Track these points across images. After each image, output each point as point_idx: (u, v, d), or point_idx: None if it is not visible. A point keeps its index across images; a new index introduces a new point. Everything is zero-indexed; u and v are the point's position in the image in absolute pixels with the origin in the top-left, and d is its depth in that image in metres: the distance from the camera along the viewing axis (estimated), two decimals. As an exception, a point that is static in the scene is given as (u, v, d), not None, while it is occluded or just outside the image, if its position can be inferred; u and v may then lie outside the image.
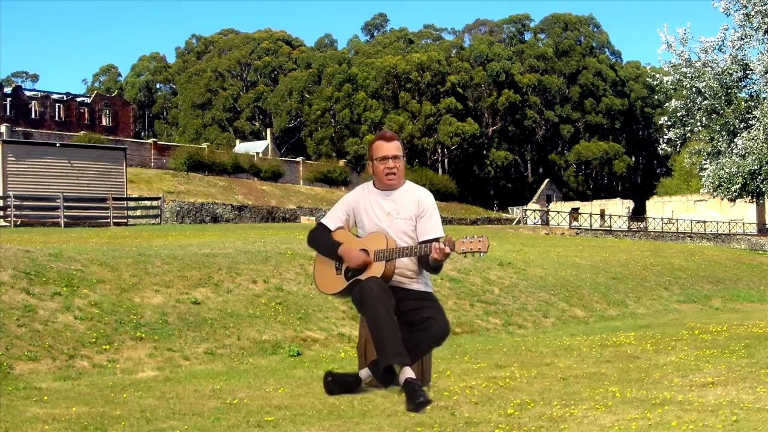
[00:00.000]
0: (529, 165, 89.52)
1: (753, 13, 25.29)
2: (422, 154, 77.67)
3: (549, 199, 75.40)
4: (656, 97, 74.35)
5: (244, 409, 4.39)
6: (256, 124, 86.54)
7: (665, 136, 28.34)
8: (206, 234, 17.81)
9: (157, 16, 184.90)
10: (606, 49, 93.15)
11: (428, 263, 4.46)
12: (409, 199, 4.63)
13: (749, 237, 45.22)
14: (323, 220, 4.82)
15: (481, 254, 4.35)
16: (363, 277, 4.51)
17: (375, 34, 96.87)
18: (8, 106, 62.64)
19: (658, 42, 28.23)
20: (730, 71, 25.75)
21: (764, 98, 25.92)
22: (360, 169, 64.93)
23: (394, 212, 4.61)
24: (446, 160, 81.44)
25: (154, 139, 62.63)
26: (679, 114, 27.18)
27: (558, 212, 52.95)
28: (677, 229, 51.40)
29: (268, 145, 70.87)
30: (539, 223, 49.58)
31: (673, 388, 4.50)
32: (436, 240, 4.50)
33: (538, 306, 10.45)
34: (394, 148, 4.62)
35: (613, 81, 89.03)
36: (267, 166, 51.53)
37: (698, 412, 3.77)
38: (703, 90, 25.81)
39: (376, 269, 4.49)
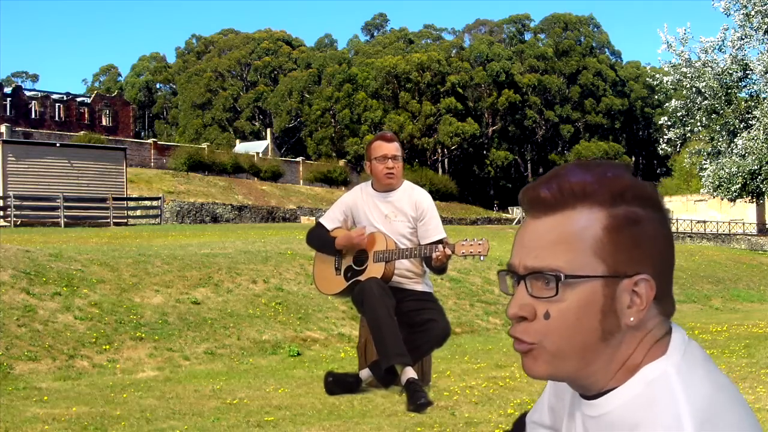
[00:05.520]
0: (529, 165, 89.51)
1: (753, 13, 25.31)
2: (422, 154, 77.66)
3: (549, 199, 75.19)
4: (656, 97, 74.33)
5: (244, 409, 4.39)
6: (256, 124, 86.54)
7: (665, 136, 28.38)
8: (206, 234, 17.81)
9: (157, 16, 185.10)
10: (606, 49, 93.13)
11: (432, 265, 4.45)
12: (407, 202, 4.60)
13: (749, 237, 45.20)
14: (321, 221, 4.80)
15: (481, 257, 4.31)
16: (363, 277, 4.51)
17: (375, 34, 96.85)
18: (8, 106, 62.60)
19: (658, 42, 28.27)
20: (730, 71, 25.77)
21: (764, 98, 25.94)
22: (360, 169, 64.91)
23: (392, 214, 4.59)
24: (446, 160, 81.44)
25: (154, 139, 62.61)
26: (679, 114, 27.21)
27: (558, 212, 52.75)
28: (677, 229, 51.37)
29: (268, 145, 70.85)
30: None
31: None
32: (439, 242, 4.48)
33: (538, 306, 10.44)
34: (393, 148, 4.59)
35: (613, 81, 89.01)
36: (267, 166, 51.50)
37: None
38: (703, 90, 25.83)
39: (376, 270, 4.48)
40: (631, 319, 0.91)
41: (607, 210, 0.92)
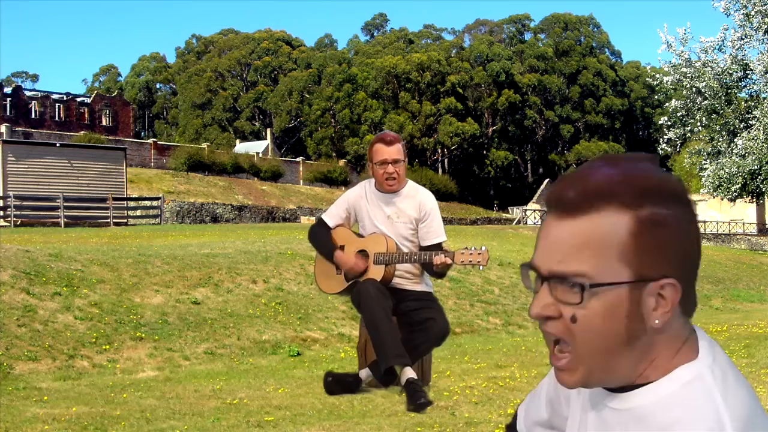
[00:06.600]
0: (529, 165, 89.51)
1: (753, 13, 25.32)
2: (422, 154, 77.65)
3: (549, 199, 75.13)
4: (656, 97, 74.34)
5: (244, 409, 4.39)
6: (256, 124, 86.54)
7: (665, 136, 28.37)
8: (206, 234, 17.81)
9: (157, 16, 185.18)
10: (606, 49, 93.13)
11: (432, 269, 4.43)
12: (411, 203, 4.57)
13: (749, 237, 45.20)
14: (323, 216, 4.76)
15: (481, 267, 4.28)
16: (361, 278, 4.50)
17: (375, 34, 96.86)
18: (8, 106, 62.59)
19: (658, 42, 28.30)
20: (730, 71, 25.77)
21: (764, 98, 25.94)
22: (360, 169, 64.91)
23: (394, 215, 4.56)
24: (446, 160, 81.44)
25: (154, 139, 62.58)
26: (679, 114, 27.21)
27: (558, 212, 52.70)
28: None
29: (268, 145, 70.84)
30: (539, 223, 49.57)
31: (673, 388, 4.49)
32: (439, 245, 4.46)
33: (538, 306, 10.43)
34: (394, 151, 4.49)
35: (613, 81, 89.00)
36: (267, 166, 51.49)
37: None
38: (703, 90, 25.83)
39: (376, 272, 4.47)
40: (657, 321, 0.91)
41: (633, 212, 0.90)
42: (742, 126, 26.30)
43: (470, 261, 4.25)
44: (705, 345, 0.95)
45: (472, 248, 4.29)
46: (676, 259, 0.91)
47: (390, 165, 4.49)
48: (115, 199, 29.78)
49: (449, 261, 4.26)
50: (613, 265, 0.90)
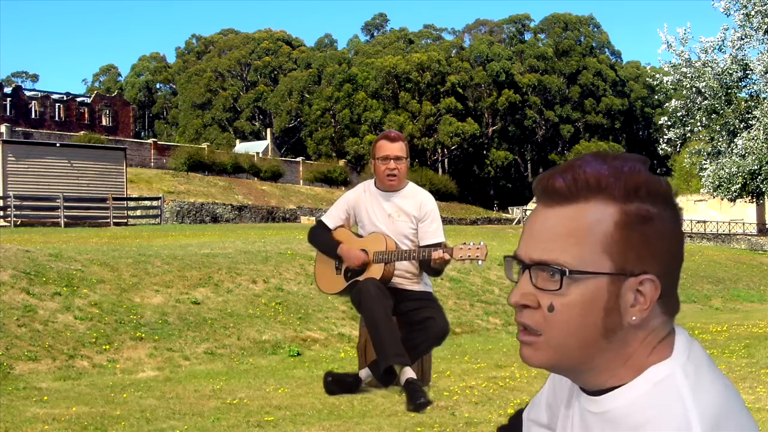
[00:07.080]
0: (529, 165, 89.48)
1: (753, 13, 25.32)
2: (422, 154, 77.63)
3: (549, 199, 75.06)
4: (656, 97, 74.36)
5: (244, 409, 4.39)
6: (256, 124, 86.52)
7: (665, 136, 28.37)
8: (206, 234, 17.80)
9: (157, 16, 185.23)
10: (606, 49, 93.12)
11: (429, 267, 4.44)
12: (411, 203, 4.58)
13: (749, 237, 45.18)
14: (323, 218, 4.78)
15: (479, 262, 4.27)
16: (362, 278, 4.51)
17: (375, 34, 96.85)
18: (8, 106, 62.55)
19: (658, 42, 28.31)
20: (730, 71, 25.77)
21: (764, 98, 25.94)
22: (360, 169, 64.91)
23: (395, 214, 4.57)
24: (446, 160, 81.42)
25: (154, 139, 62.54)
26: (679, 114, 27.21)
27: (558, 212, 52.66)
28: (677, 229, 51.02)
29: (268, 145, 70.81)
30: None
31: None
32: (437, 245, 4.46)
33: (538, 306, 10.42)
34: (397, 148, 4.54)
35: (613, 81, 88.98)
36: (267, 166, 51.48)
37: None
38: (703, 90, 25.83)
39: (375, 271, 4.47)
40: (634, 318, 0.91)
41: (620, 206, 0.91)
42: (742, 126, 26.30)
43: (469, 256, 4.25)
44: (681, 341, 0.94)
45: (471, 243, 4.29)
46: (658, 256, 0.91)
47: (392, 161, 4.51)
48: (115, 199, 29.79)
49: (447, 256, 4.26)
50: (596, 255, 0.91)
